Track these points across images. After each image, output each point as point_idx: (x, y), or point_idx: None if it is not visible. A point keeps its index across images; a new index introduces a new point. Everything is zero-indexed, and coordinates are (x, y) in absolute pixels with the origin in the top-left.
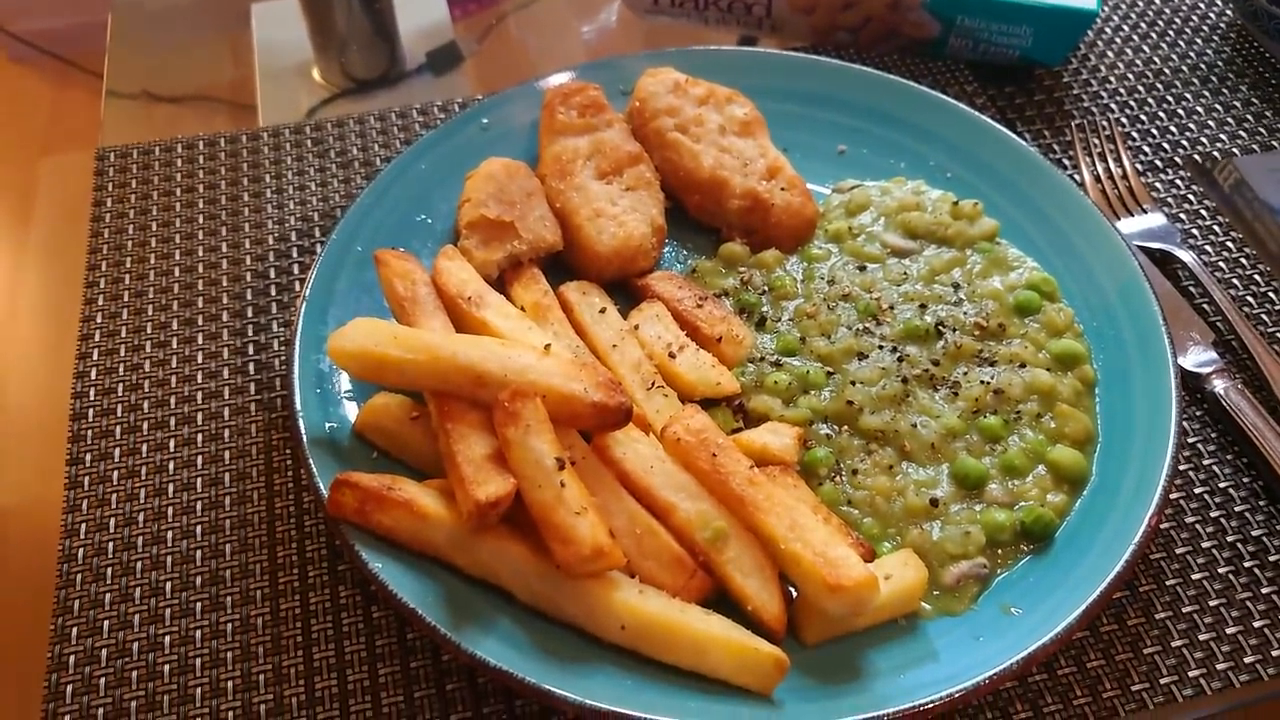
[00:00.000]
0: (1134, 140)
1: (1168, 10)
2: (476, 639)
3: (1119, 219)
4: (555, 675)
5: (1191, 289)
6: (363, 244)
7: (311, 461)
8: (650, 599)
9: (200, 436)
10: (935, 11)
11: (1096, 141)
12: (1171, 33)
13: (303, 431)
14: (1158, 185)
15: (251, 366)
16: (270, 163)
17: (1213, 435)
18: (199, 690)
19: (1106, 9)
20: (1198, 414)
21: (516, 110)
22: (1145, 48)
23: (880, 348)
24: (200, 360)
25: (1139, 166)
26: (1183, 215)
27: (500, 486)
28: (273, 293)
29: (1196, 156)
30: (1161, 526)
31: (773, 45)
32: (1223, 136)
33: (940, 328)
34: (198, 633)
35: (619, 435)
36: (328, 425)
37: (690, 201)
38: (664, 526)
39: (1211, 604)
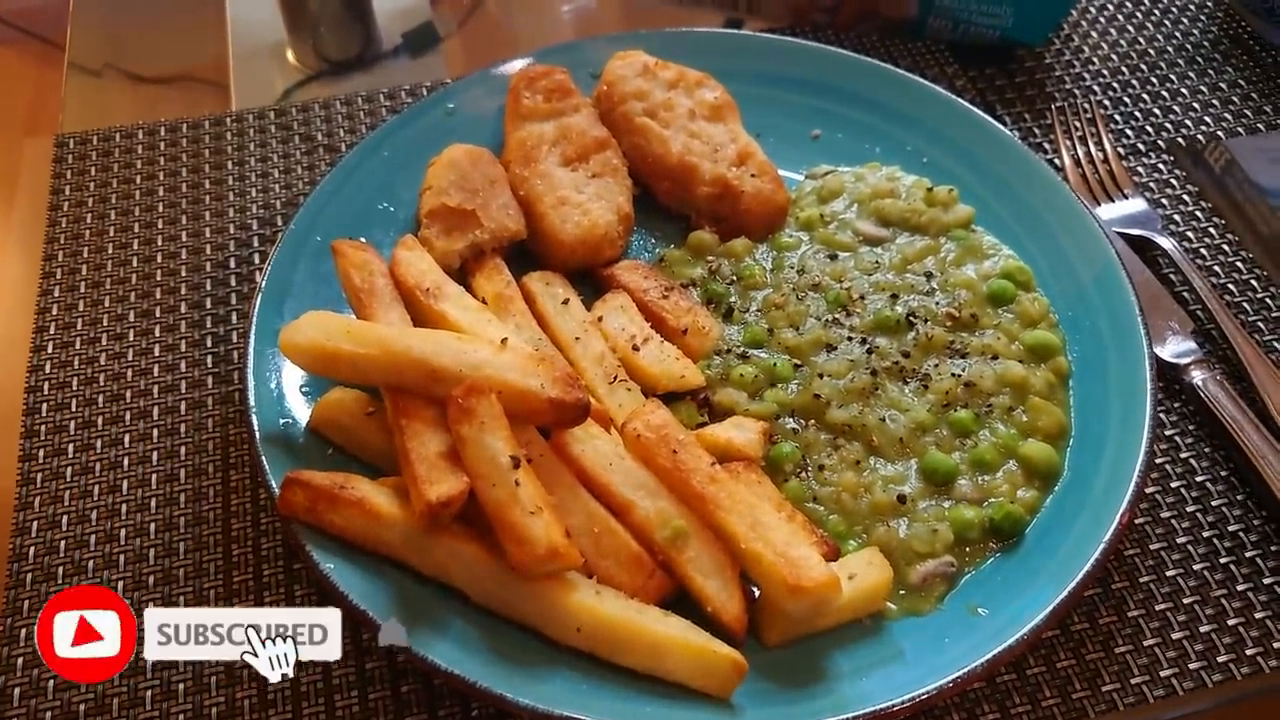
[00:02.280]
0: (1116, 123)
1: None
2: (429, 642)
3: (1098, 204)
4: (510, 679)
5: (1172, 277)
6: (322, 233)
7: (264, 459)
8: (607, 600)
9: (156, 431)
10: None
11: (1077, 124)
12: (1157, 12)
13: (256, 428)
14: (1139, 169)
15: (209, 359)
16: (233, 149)
17: (1190, 428)
18: (149, 693)
19: None
20: (1175, 406)
21: (482, 95)
22: (1130, 27)
23: (849, 339)
24: (157, 353)
25: (1120, 150)
26: (1164, 201)
27: (453, 486)
28: (232, 283)
29: (1180, 140)
30: (1136, 522)
31: (753, 27)
32: (1207, 119)
33: (911, 318)
34: None
35: (578, 432)
36: (282, 421)
37: (659, 188)
38: (623, 525)
39: (1186, 601)
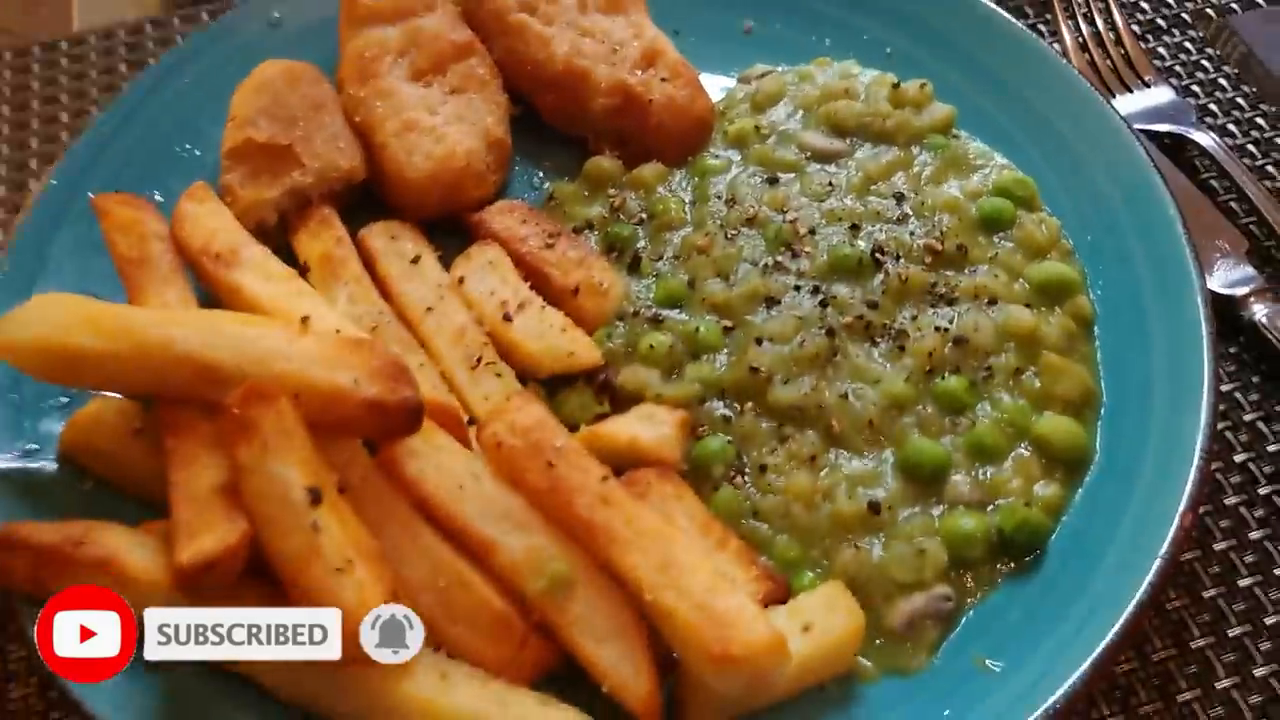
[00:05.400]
0: None
1: None
2: None
3: (1114, 96)
4: None
5: (1214, 183)
6: (97, 187)
7: None
8: (457, 688)
9: None
10: None
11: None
12: None
13: None
14: (1161, 51)
15: None
16: (10, 89)
17: (1253, 379)
18: None
19: None
20: (1232, 351)
21: None
22: None
23: (797, 289)
24: None
25: (1136, 28)
26: (1195, 88)
27: (219, 539)
28: None
29: (1210, 9)
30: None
31: None
32: None
33: (878, 255)
34: None
35: (416, 444)
36: (24, 448)
37: (543, 103)
38: (482, 574)
39: (1269, 622)
